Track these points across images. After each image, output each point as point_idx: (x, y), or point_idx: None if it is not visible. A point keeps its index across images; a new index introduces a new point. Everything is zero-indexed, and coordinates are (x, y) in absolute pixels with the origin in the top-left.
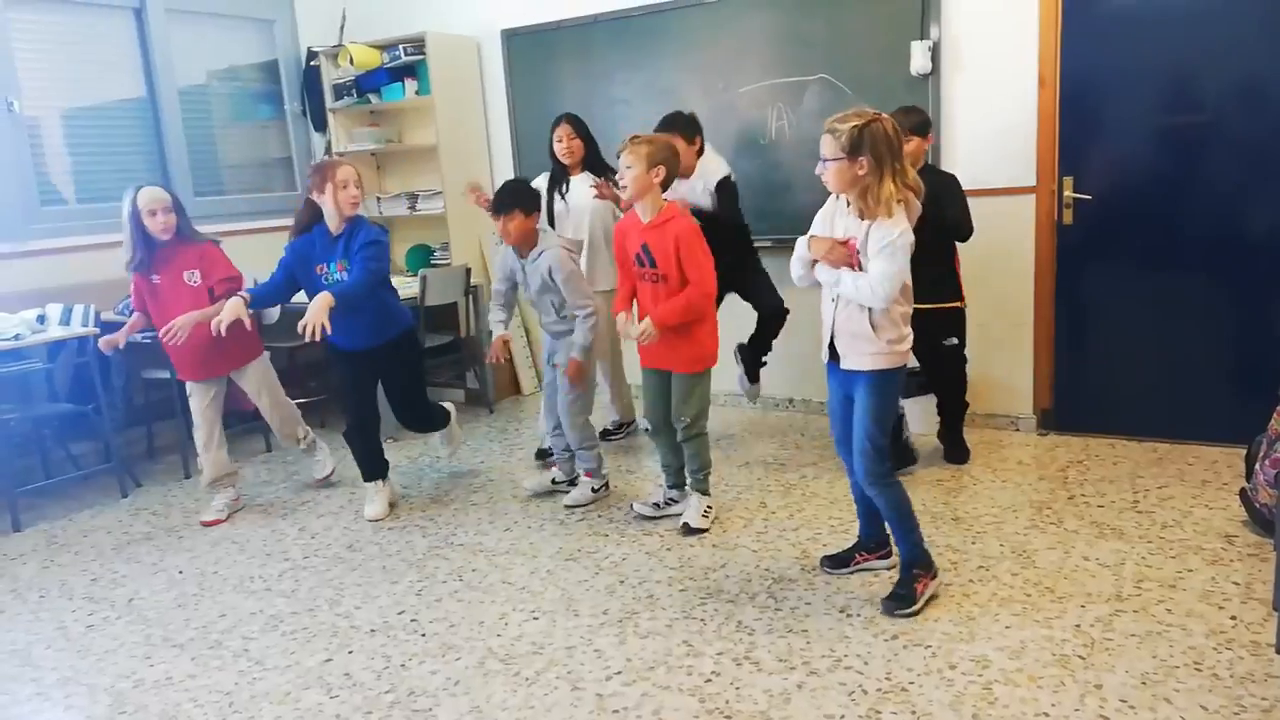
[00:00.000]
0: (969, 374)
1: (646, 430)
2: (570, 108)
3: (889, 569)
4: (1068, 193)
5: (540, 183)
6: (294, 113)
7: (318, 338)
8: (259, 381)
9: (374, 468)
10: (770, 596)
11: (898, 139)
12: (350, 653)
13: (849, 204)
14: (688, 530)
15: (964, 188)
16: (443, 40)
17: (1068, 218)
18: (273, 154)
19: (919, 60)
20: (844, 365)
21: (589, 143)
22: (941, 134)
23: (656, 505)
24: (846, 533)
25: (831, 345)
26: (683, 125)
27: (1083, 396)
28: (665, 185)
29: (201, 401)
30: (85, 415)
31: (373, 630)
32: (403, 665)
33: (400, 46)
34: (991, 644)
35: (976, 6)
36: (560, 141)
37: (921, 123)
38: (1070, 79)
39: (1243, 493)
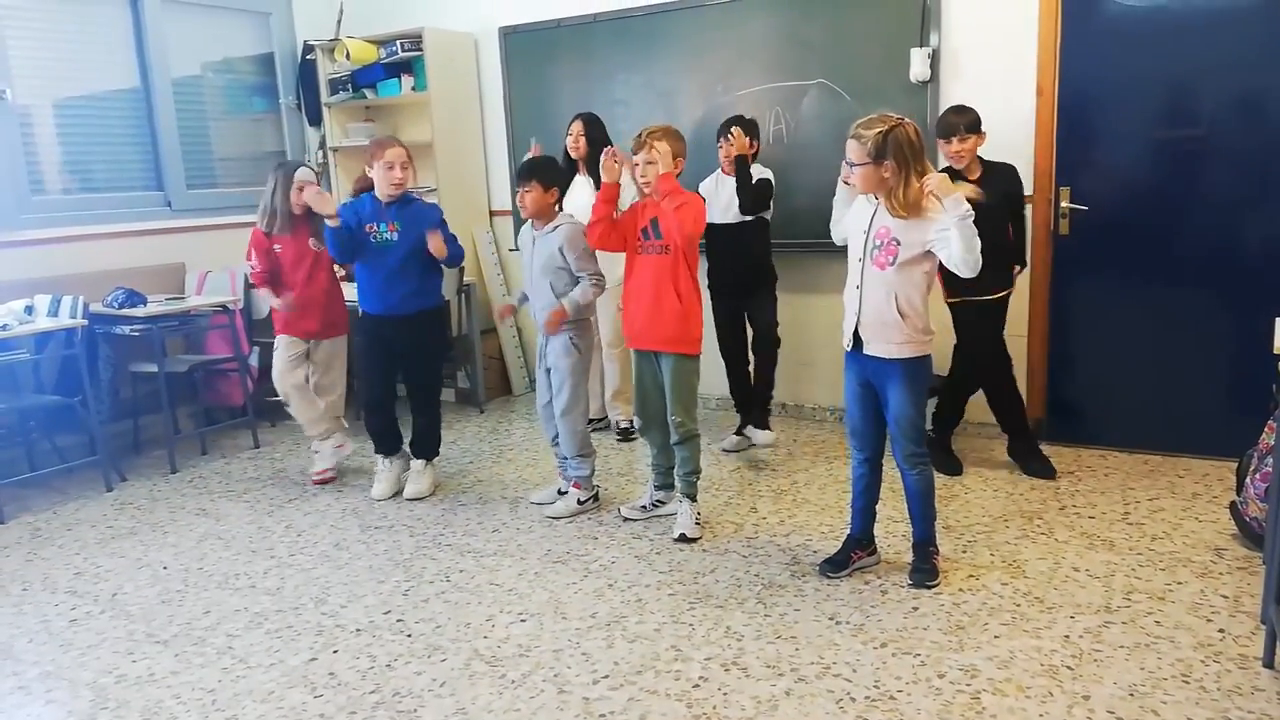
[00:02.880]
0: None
1: (635, 426)
2: (568, 107)
3: (876, 565)
4: (1064, 203)
5: None
6: (289, 106)
7: (391, 344)
8: (326, 357)
9: (387, 444)
10: (759, 602)
11: (920, 143)
12: (335, 652)
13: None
14: (683, 539)
15: None
16: (440, 36)
17: (1064, 228)
18: (266, 147)
19: (918, 67)
20: (868, 350)
21: (596, 146)
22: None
23: (644, 508)
24: (837, 539)
25: (856, 333)
26: (750, 128)
27: (1075, 407)
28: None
29: (285, 350)
30: (71, 408)
31: (358, 630)
32: (388, 665)
33: (397, 42)
34: (980, 653)
35: (976, 15)
36: (570, 136)
37: (975, 121)
38: (1068, 89)
39: (1233, 506)
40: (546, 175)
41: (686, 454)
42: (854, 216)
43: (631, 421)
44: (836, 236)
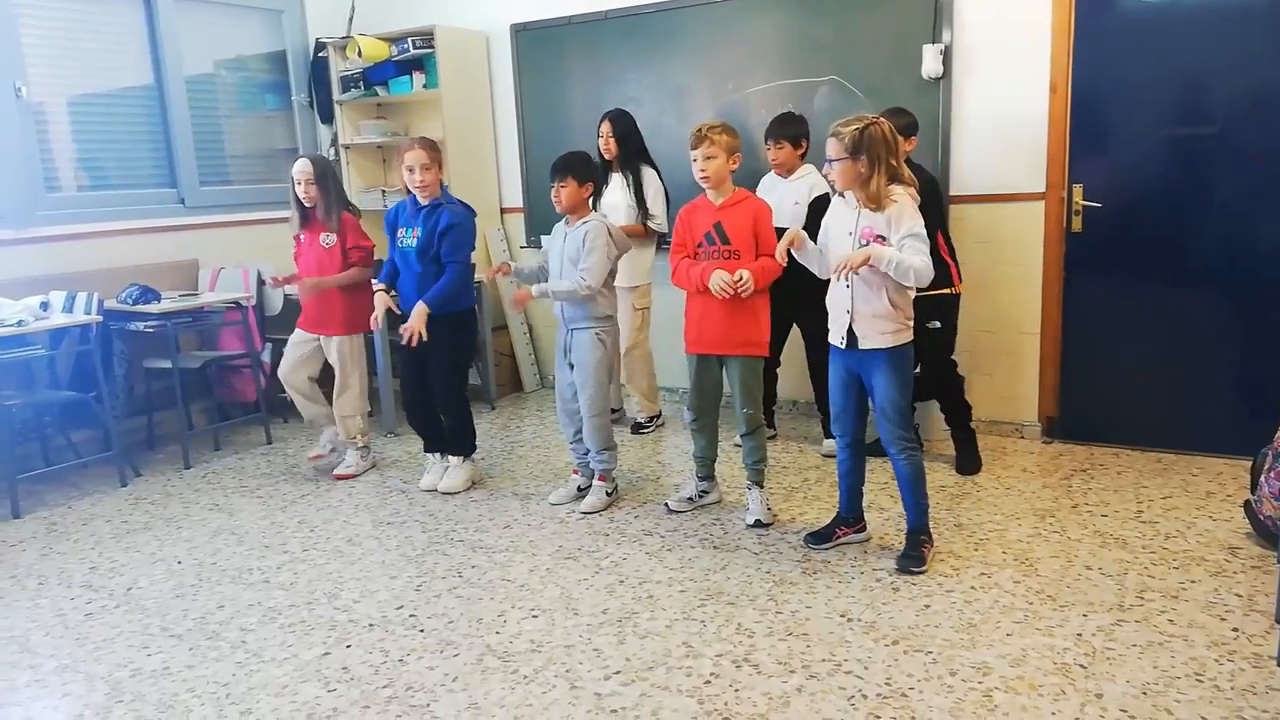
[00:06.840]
0: (968, 377)
1: (692, 421)
2: (580, 104)
3: (864, 541)
4: (1077, 200)
5: None
6: (300, 104)
7: (419, 341)
8: (339, 356)
9: (429, 441)
10: (771, 599)
11: (893, 140)
12: (348, 647)
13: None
14: (758, 525)
15: (973, 193)
16: (452, 34)
17: (1077, 225)
18: (278, 145)
19: (930, 64)
20: (863, 346)
21: (624, 142)
22: (951, 138)
23: (689, 499)
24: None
25: (851, 330)
26: (799, 127)
27: (1088, 405)
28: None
29: (294, 349)
30: (86, 403)
31: (371, 625)
32: (401, 660)
33: (409, 39)
34: (992, 651)
35: (988, 11)
36: (600, 138)
37: (909, 124)
38: (1081, 86)
39: (1247, 505)
40: (581, 170)
41: (754, 443)
42: (836, 221)
43: (652, 418)
44: (819, 270)
